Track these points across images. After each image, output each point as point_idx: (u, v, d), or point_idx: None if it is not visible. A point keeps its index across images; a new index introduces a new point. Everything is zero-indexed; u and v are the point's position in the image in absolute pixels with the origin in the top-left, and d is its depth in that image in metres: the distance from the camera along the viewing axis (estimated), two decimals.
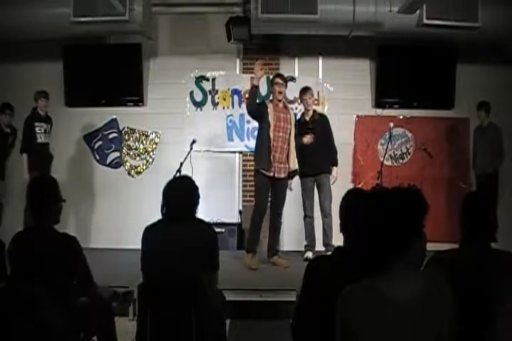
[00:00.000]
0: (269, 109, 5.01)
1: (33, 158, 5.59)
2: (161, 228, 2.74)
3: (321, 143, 5.40)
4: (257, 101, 5.23)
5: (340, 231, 2.25)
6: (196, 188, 2.85)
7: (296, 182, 5.56)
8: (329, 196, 5.35)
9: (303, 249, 5.64)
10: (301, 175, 5.48)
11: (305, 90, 5.52)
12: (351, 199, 2.22)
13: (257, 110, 5.03)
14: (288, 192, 5.43)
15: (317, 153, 5.36)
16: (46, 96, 5.77)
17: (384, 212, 1.48)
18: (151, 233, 2.74)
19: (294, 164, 5.12)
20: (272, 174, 5.01)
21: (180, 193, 2.78)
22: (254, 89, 5.03)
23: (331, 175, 5.48)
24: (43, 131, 5.73)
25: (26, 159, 5.56)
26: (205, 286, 2.63)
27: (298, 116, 6.08)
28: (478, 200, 2.37)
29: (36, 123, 5.68)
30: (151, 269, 2.68)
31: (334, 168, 5.52)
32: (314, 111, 5.55)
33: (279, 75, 5.21)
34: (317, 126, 5.44)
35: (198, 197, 2.84)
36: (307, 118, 5.52)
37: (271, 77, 5.54)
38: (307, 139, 5.27)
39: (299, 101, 6.42)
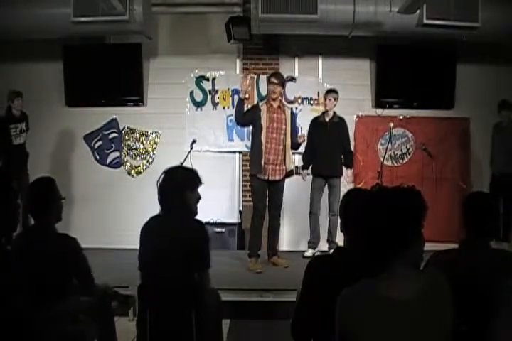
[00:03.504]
0: (261, 112, 5.00)
1: (10, 159, 5.47)
2: (152, 226, 2.68)
3: (336, 146, 5.48)
4: (245, 109, 5.20)
5: (341, 231, 2.25)
6: (184, 179, 2.67)
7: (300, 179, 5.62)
8: (338, 198, 5.38)
9: (303, 249, 5.66)
10: (312, 173, 5.58)
11: (330, 91, 5.59)
12: (351, 199, 2.22)
13: (247, 117, 5.04)
14: (289, 192, 5.45)
15: (331, 155, 5.46)
16: (20, 95, 5.66)
17: (383, 211, 1.47)
18: (143, 232, 2.71)
19: (289, 164, 5.12)
20: (266, 177, 5.01)
21: (165, 185, 2.66)
22: (240, 102, 5.06)
23: (344, 177, 5.59)
24: (18, 131, 5.64)
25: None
26: (199, 285, 2.61)
27: (298, 117, 6.09)
28: (479, 200, 2.38)
29: (11, 125, 5.59)
30: (144, 269, 2.67)
31: (349, 170, 5.65)
32: (334, 113, 5.58)
33: (275, 75, 5.16)
34: (334, 129, 5.49)
35: (187, 187, 2.65)
36: (326, 119, 5.56)
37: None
38: (301, 140, 5.28)
39: (299, 101, 6.47)
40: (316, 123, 5.58)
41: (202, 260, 2.62)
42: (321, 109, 6.08)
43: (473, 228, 2.28)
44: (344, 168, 5.61)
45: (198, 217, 2.75)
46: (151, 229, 2.68)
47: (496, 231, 2.36)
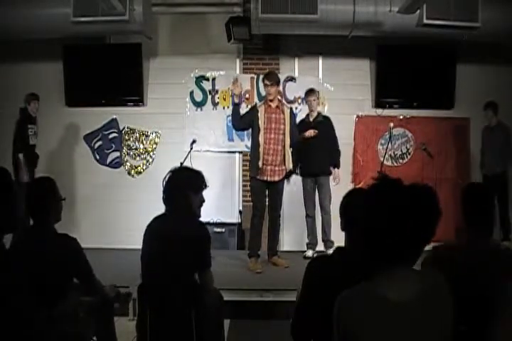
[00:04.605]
0: (259, 113, 4.98)
1: (26, 158, 5.62)
2: (154, 226, 2.68)
3: (322, 145, 5.44)
4: (245, 111, 5.23)
5: (342, 230, 2.25)
6: (188, 180, 2.67)
7: (297, 180, 5.61)
8: (328, 195, 5.43)
9: (303, 249, 5.67)
10: (301, 174, 5.55)
11: (310, 92, 5.59)
12: (352, 199, 2.22)
13: (244, 121, 5.04)
14: (289, 192, 5.45)
15: (318, 154, 5.41)
16: (38, 98, 5.80)
17: (384, 210, 1.44)
18: (146, 232, 2.70)
19: (289, 164, 5.09)
20: (265, 178, 5.00)
21: (169, 184, 2.68)
22: (234, 107, 5.06)
23: (331, 176, 5.54)
24: (33, 133, 5.77)
25: (23, 159, 5.57)
26: (201, 285, 2.61)
27: (298, 117, 6.09)
28: (476, 190, 2.44)
29: (29, 126, 5.72)
30: (146, 268, 2.66)
31: (336, 169, 5.58)
32: (319, 113, 5.59)
33: (267, 76, 5.10)
34: (320, 128, 5.47)
35: (191, 189, 2.64)
36: (311, 119, 5.57)
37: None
38: (308, 133, 5.26)
39: (299, 101, 6.47)
40: (302, 125, 5.53)
41: (203, 260, 2.62)
42: (321, 109, 6.08)
43: (470, 218, 2.32)
44: (332, 169, 5.56)
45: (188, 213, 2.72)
46: (152, 230, 2.68)
47: (492, 223, 2.39)
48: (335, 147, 5.61)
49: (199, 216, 2.74)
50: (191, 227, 2.63)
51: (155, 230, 2.67)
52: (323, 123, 5.54)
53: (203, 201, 2.73)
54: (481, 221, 2.30)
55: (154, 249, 2.60)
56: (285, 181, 5.48)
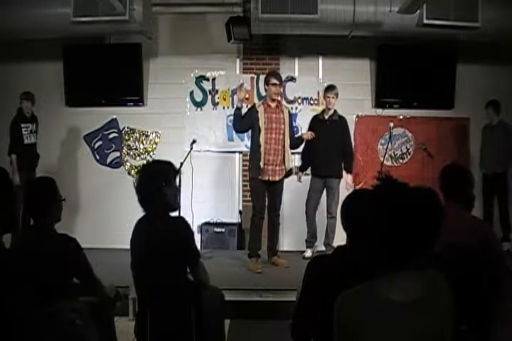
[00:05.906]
0: (259, 113, 4.97)
1: (21, 158, 5.63)
2: (137, 230, 2.68)
3: (335, 146, 5.38)
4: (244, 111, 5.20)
5: (344, 229, 2.24)
6: (157, 175, 2.62)
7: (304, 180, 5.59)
8: (336, 199, 5.32)
9: (303, 249, 5.66)
10: (311, 174, 5.52)
11: (330, 88, 5.46)
12: (354, 199, 2.21)
13: (244, 123, 5.03)
14: (289, 192, 5.43)
15: (330, 155, 5.34)
16: (28, 97, 5.79)
17: (387, 213, 1.43)
18: (132, 237, 2.69)
19: (288, 164, 5.08)
20: (266, 178, 4.99)
21: (140, 185, 2.66)
22: (236, 111, 5.05)
23: (345, 181, 5.47)
24: (29, 131, 5.78)
25: (15, 160, 5.59)
26: (196, 281, 2.61)
27: (298, 117, 6.10)
28: (454, 169, 2.83)
29: (22, 124, 5.74)
30: (139, 275, 2.66)
31: (349, 175, 5.51)
32: (335, 111, 5.50)
33: (275, 75, 5.08)
34: (333, 127, 5.42)
35: (162, 184, 2.58)
36: (326, 117, 5.48)
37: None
38: (307, 136, 5.21)
39: (299, 101, 6.46)
40: (315, 121, 5.49)
41: (190, 253, 2.62)
42: (321, 108, 6.07)
43: (449, 194, 2.56)
44: (344, 173, 5.49)
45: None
46: (136, 234, 2.68)
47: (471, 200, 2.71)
48: (348, 151, 5.54)
49: (176, 208, 2.71)
50: (172, 224, 2.62)
51: (139, 234, 2.66)
52: (338, 123, 5.46)
53: (178, 190, 2.73)
54: (457, 196, 2.54)
55: (142, 252, 2.60)
56: (299, 181, 5.49)
